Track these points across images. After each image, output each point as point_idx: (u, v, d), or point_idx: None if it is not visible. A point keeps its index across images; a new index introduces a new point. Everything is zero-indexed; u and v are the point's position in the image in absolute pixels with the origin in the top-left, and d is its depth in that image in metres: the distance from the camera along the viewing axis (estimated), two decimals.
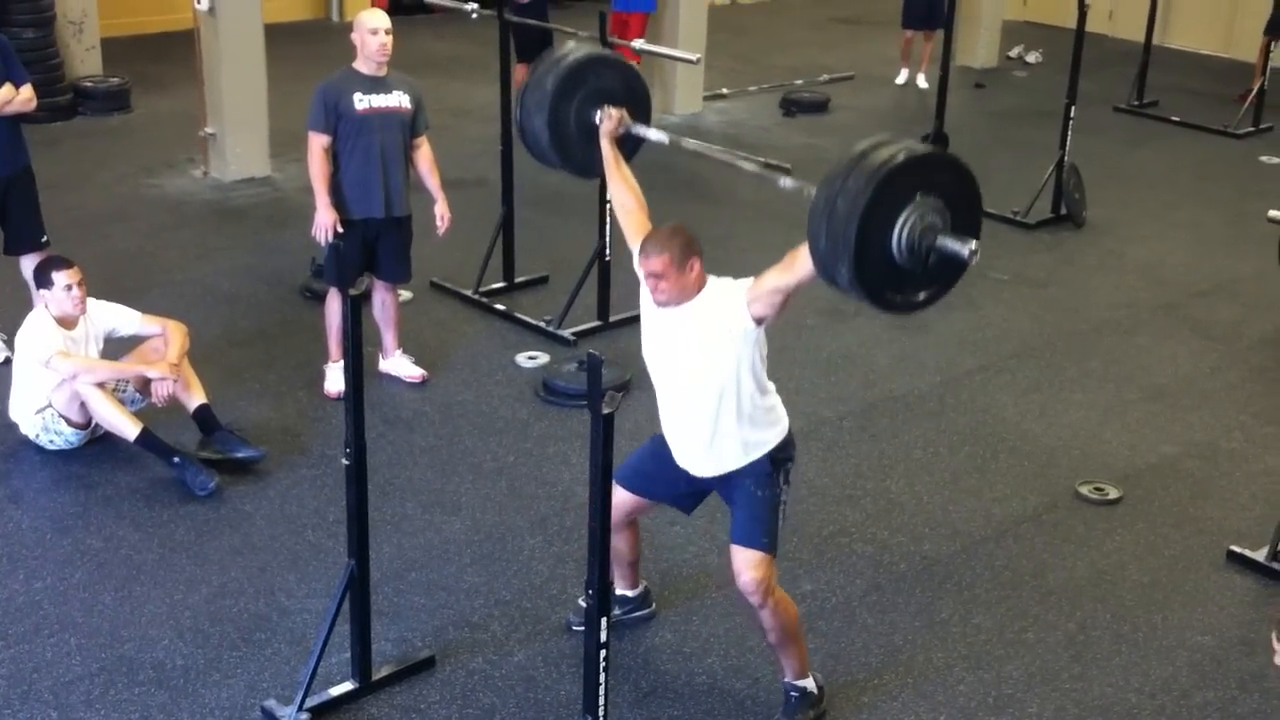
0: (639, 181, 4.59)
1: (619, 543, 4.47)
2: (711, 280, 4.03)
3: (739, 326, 3.93)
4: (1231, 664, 4.70)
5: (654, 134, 4.64)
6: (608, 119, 4.58)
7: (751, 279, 3.94)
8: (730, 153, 4.60)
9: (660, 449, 4.29)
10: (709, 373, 3.99)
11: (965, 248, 3.47)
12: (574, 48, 4.77)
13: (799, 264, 3.76)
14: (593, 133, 4.62)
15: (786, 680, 4.27)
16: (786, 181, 4.09)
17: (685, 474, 4.22)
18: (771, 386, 4.12)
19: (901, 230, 3.44)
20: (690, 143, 4.68)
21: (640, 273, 4.06)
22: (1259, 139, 11.05)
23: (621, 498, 4.27)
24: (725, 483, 4.17)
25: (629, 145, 4.69)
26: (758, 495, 4.11)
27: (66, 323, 5.57)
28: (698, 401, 4.03)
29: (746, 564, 4.08)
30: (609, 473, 3.52)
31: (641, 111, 4.72)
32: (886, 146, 3.47)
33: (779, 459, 4.13)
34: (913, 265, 3.48)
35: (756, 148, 9.98)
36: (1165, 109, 11.68)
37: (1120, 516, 5.58)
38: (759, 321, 3.93)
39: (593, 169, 4.71)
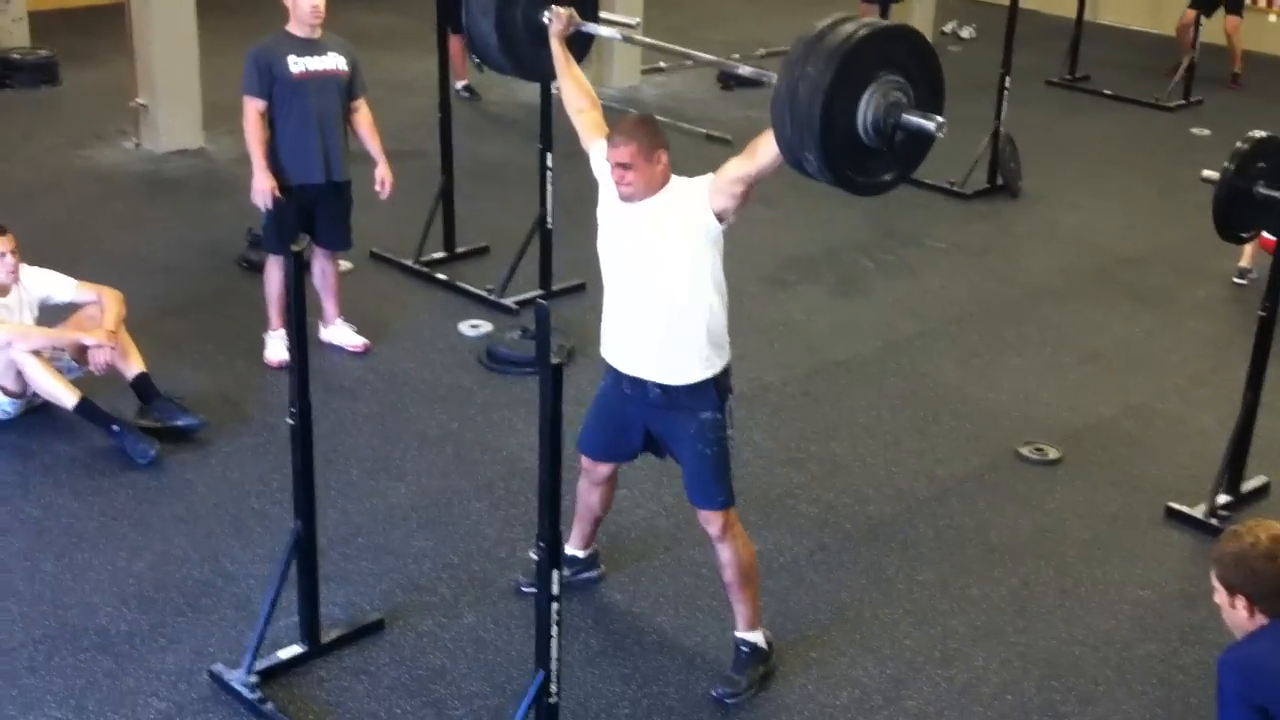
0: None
1: (594, 497, 4.54)
2: (675, 178, 4.02)
3: (701, 222, 3.92)
4: (1172, 617, 4.77)
5: (605, 30, 4.59)
6: (556, 19, 4.52)
7: (711, 174, 3.94)
8: (680, 49, 4.56)
9: (606, 408, 4.30)
10: (670, 269, 3.97)
11: (932, 123, 3.43)
12: None
13: (760, 151, 3.75)
14: (542, 34, 4.56)
15: (737, 634, 4.29)
16: (745, 69, 4.09)
17: (639, 421, 4.22)
18: (726, 298, 4.09)
19: (866, 110, 3.41)
20: (643, 39, 4.65)
21: (599, 174, 4.07)
22: (1189, 111, 11.19)
23: (589, 465, 4.42)
24: (673, 424, 4.15)
25: (579, 44, 4.64)
26: (707, 454, 4.12)
27: None
28: (658, 299, 4.01)
29: (704, 516, 4.20)
30: (558, 423, 3.51)
31: (588, 8, 4.67)
32: (843, 24, 3.41)
33: (723, 387, 4.12)
34: (880, 144, 3.46)
35: (696, 120, 10.01)
36: (1097, 83, 11.80)
37: (1060, 476, 5.65)
38: (720, 217, 3.91)
39: (543, 71, 4.63)
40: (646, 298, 4.04)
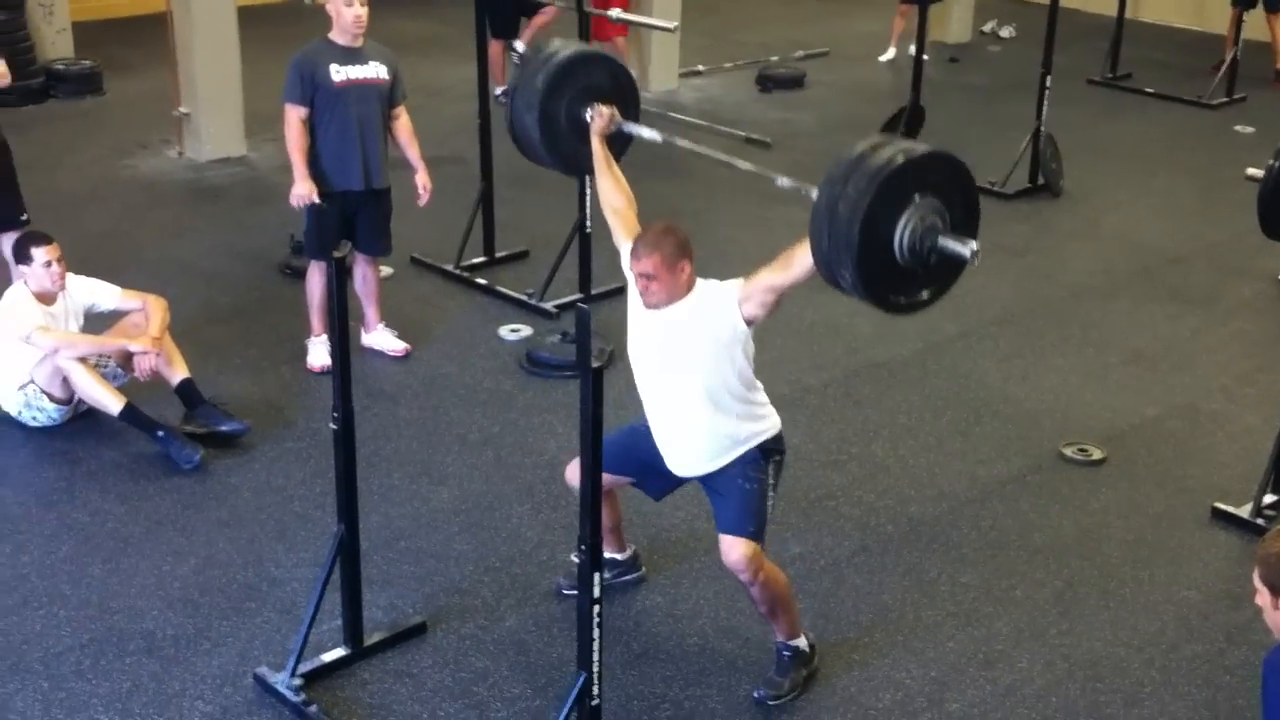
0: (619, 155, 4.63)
1: None
2: (700, 282, 4.04)
3: (729, 328, 3.95)
4: (1218, 617, 4.73)
5: (646, 131, 4.65)
6: (598, 117, 4.60)
7: (741, 280, 3.96)
8: (725, 155, 4.59)
9: (635, 437, 4.28)
10: (697, 374, 4.00)
11: (966, 248, 3.48)
12: (562, 45, 4.77)
13: (795, 263, 3.78)
14: (583, 130, 4.63)
15: (779, 640, 4.28)
16: (784, 181, 4.10)
17: (660, 461, 4.22)
18: (759, 385, 4.14)
19: (903, 232, 3.44)
20: (683, 142, 4.69)
21: (630, 274, 4.08)
22: (1233, 109, 11.09)
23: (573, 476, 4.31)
24: (714, 477, 4.14)
25: (619, 143, 4.70)
26: (746, 488, 4.09)
27: (46, 299, 5.54)
28: (686, 402, 4.04)
29: (733, 548, 4.08)
30: (599, 427, 3.52)
31: (631, 108, 4.74)
32: (885, 148, 3.47)
33: (769, 449, 4.14)
34: (915, 266, 3.49)
35: (734, 123, 9.99)
36: (1139, 81, 11.72)
37: (1104, 477, 5.61)
38: (750, 322, 3.95)
39: (583, 165, 4.71)
40: (677, 399, 4.06)
